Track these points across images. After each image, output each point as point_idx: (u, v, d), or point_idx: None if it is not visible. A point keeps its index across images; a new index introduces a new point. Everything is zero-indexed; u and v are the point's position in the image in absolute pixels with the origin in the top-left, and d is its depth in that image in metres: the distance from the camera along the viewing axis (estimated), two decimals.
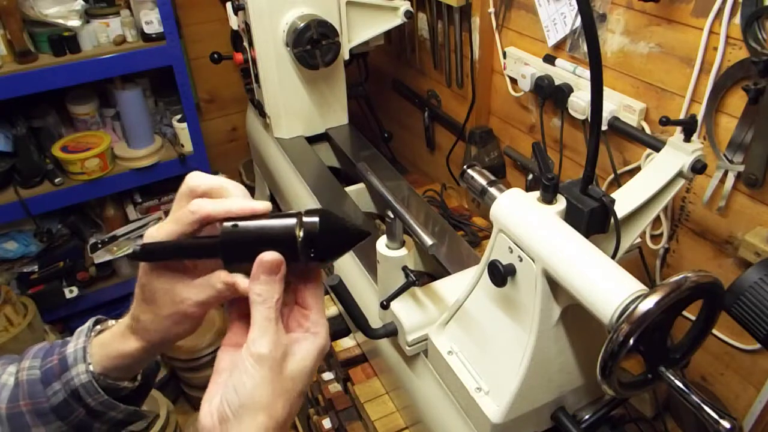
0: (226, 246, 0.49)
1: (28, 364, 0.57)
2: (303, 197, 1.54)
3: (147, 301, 0.54)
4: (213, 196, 0.51)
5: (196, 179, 0.53)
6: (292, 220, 0.49)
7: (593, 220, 0.79)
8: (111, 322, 0.61)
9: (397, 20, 1.67)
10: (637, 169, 1.23)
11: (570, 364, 0.84)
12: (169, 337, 0.56)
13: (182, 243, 0.51)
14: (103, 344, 0.57)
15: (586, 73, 1.28)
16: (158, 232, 0.51)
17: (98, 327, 0.60)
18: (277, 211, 0.51)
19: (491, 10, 1.50)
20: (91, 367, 0.55)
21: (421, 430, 1.07)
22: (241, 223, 0.49)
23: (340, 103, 1.76)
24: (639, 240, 0.99)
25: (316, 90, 1.69)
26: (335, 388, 1.29)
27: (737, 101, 1.01)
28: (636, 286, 0.64)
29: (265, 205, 0.50)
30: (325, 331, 0.51)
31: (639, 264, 1.13)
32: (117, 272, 2.27)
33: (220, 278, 0.51)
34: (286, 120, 1.71)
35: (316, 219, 0.49)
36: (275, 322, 0.47)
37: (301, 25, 1.50)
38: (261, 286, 0.47)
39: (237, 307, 0.53)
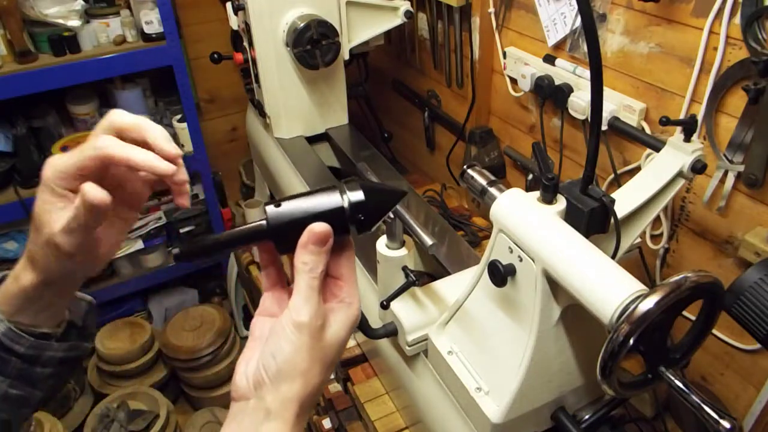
0: (275, 228, 0.49)
1: None
2: None
3: (34, 225, 0.51)
4: (132, 136, 0.50)
5: (117, 115, 0.51)
6: (336, 194, 0.49)
7: (593, 220, 0.79)
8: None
9: (397, 20, 1.67)
10: (637, 169, 1.23)
11: (570, 364, 0.84)
12: (56, 273, 0.52)
13: (227, 236, 0.50)
14: (5, 287, 0.54)
15: (586, 73, 1.28)
16: (58, 160, 0.50)
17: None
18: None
19: (491, 10, 1.50)
20: (2, 316, 0.53)
21: (421, 430, 1.07)
22: (284, 203, 0.49)
23: (340, 103, 1.76)
24: (639, 240, 0.99)
25: (316, 90, 1.69)
26: (335, 388, 1.29)
27: (737, 101, 1.01)
28: (636, 286, 0.64)
29: (176, 151, 0.51)
30: (357, 301, 0.52)
31: (639, 264, 1.13)
32: (117, 272, 2.27)
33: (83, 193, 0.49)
34: (286, 120, 1.71)
35: (359, 191, 0.49)
36: (318, 292, 0.48)
37: (301, 25, 1.50)
38: (309, 255, 0.48)
39: (269, 276, 0.54)
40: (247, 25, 1.58)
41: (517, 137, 1.61)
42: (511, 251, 0.78)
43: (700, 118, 1.05)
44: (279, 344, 0.46)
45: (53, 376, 0.57)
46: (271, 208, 0.49)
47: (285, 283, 0.55)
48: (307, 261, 0.48)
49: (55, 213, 0.49)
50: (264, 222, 0.49)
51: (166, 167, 0.50)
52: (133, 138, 0.50)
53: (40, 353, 0.55)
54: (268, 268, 0.54)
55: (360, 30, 1.66)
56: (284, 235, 0.49)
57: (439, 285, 1.07)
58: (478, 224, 1.65)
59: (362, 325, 0.99)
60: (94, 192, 0.47)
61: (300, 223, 0.48)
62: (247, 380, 0.47)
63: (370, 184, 0.51)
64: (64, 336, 0.58)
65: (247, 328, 2.47)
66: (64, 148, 1.93)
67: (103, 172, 0.50)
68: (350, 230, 0.50)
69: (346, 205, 0.49)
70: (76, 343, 0.58)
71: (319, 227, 0.48)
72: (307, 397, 0.47)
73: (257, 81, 1.69)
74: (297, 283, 0.48)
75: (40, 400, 0.58)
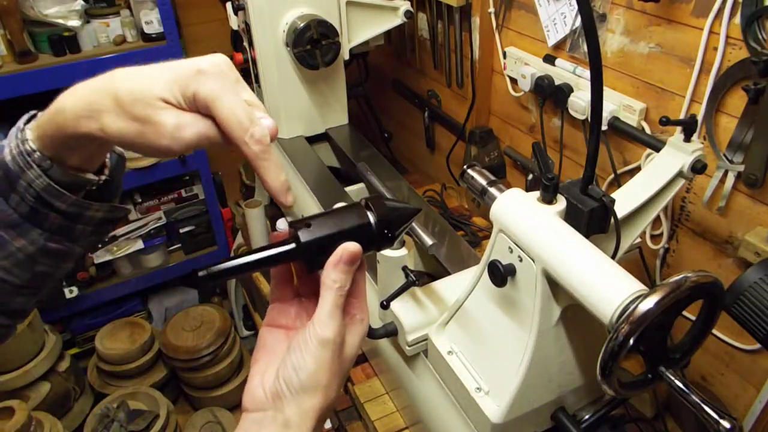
0: (306, 248, 0.50)
1: None
2: (303, 197, 1.54)
3: (119, 98, 0.45)
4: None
5: (268, 132, 0.46)
6: (362, 212, 0.52)
7: (593, 220, 0.79)
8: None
9: (397, 20, 1.67)
10: (637, 169, 1.23)
11: (570, 364, 0.84)
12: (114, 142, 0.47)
13: (254, 258, 0.50)
14: (39, 125, 0.48)
15: (586, 73, 1.28)
16: (210, 71, 0.45)
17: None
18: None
19: (491, 10, 1.50)
20: (40, 170, 0.48)
21: (421, 430, 1.07)
22: (313, 223, 0.50)
23: (340, 103, 1.76)
24: (639, 240, 0.99)
25: (316, 90, 1.69)
26: None
27: (737, 101, 1.01)
28: (636, 286, 0.64)
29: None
30: (367, 317, 0.54)
31: (639, 264, 1.13)
32: (117, 272, 2.27)
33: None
34: (286, 120, 1.71)
35: (383, 207, 0.52)
36: (341, 309, 0.49)
37: (301, 25, 1.50)
38: (339, 274, 0.49)
39: (279, 288, 0.55)
40: (247, 25, 1.58)
41: (517, 137, 1.61)
42: (511, 251, 0.78)
43: (700, 118, 1.05)
44: (303, 359, 0.47)
45: (94, 233, 0.55)
46: (301, 229, 0.50)
47: (294, 295, 0.55)
48: (336, 279, 0.49)
49: (173, 111, 0.45)
50: (293, 243, 0.50)
51: (286, 200, 0.49)
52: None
53: (82, 212, 0.52)
54: (280, 281, 0.55)
55: (360, 30, 1.66)
56: (314, 255, 0.50)
57: (439, 285, 1.07)
58: (478, 224, 1.65)
59: None
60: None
61: (329, 241, 0.50)
62: (265, 392, 0.48)
63: (390, 201, 0.53)
64: (102, 187, 0.55)
65: (248, 328, 2.48)
66: None
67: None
68: (375, 246, 0.52)
69: (372, 221, 0.51)
70: (115, 206, 0.55)
71: (352, 247, 0.50)
72: (325, 410, 0.49)
73: (257, 81, 1.69)
74: (323, 300, 0.49)
75: (80, 255, 0.56)
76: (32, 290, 0.54)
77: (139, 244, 2.21)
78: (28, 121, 0.50)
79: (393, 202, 0.54)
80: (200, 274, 0.48)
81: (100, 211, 0.53)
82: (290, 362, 0.48)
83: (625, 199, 0.89)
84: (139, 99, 0.44)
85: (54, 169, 0.49)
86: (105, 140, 0.46)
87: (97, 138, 0.46)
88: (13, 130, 0.50)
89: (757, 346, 1.07)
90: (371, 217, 0.51)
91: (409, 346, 1.00)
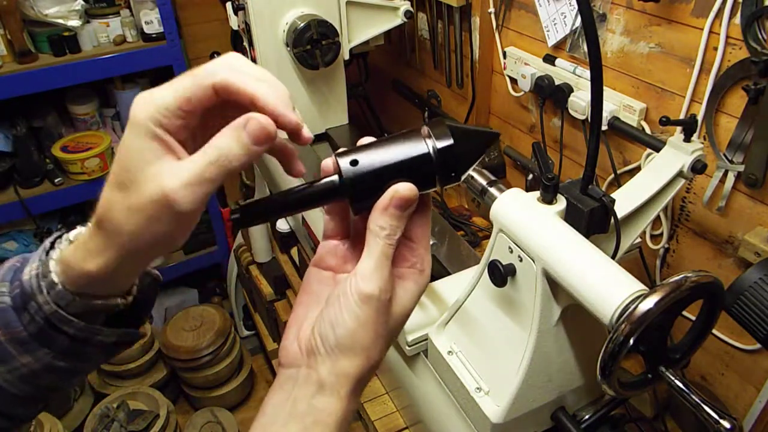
0: (350, 185, 0.41)
1: None
2: None
3: (118, 182, 0.39)
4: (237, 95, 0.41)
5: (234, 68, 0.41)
6: (420, 140, 0.43)
7: (593, 220, 0.79)
8: (73, 233, 0.47)
9: (397, 20, 1.67)
10: (637, 169, 1.23)
11: (570, 364, 0.84)
12: (145, 241, 0.40)
13: (292, 197, 0.43)
14: (64, 261, 0.44)
15: (586, 73, 1.28)
16: (156, 92, 0.40)
17: (60, 245, 0.47)
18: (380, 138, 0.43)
19: (491, 10, 1.50)
20: (49, 296, 0.45)
21: (421, 430, 1.07)
22: (360, 156, 0.42)
23: (340, 103, 1.76)
24: (639, 240, 0.99)
25: (316, 90, 1.69)
26: None
27: (737, 101, 1.01)
28: (636, 286, 0.64)
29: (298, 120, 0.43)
30: (429, 267, 0.47)
31: (639, 264, 1.13)
32: None
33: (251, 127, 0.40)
34: None
35: (447, 134, 0.43)
36: (390, 260, 0.42)
37: (301, 25, 1.50)
38: (389, 219, 0.42)
39: (332, 222, 0.48)
40: (247, 25, 1.58)
41: (517, 137, 1.61)
42: (511, 251, 0.78)
43: (700, 118, 1.05)
44: (341, 315, 0.42)
45: (105, 353, 0.51)
46: (344, 162, 0.41)
47: (347, 232, 0.49)
48: (384, 225, 0.42)
49: (160, 163, 0.39)
50: (336, 178, 0.42)
51: (294, 118, 0.41)
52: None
53: (91, 336, 0.49)
54: (333, 214, 0.48)
55: (360, 30, 1.66)
56: (360, 193, 0.42)
57: (439, 285, 1.07)
58: (478, 224, 1.65)
59: None
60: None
61: (379, 176, 0.42)
62: (300, 347, 0.43)
63: (457, 125, 0.44)
64: (132, 307, 0.50)
65: (248, 328, 2.48)
66: (64, 148, 1.93)
67: (210, 110, 0.42)
68: (436, 181, 0.44)
69: (432, 151, 0.42)
70: (128, 331, 0.50)
71: (405, 189, 0.42)
72: (366, 374, 0.43)
73: None
74: (369, 249, 0.42)
75: (91, 371, 0.53)
76: (34, 402, 0.52)
77: None
78: (53, 241, 0.46)
79: (465, 127, 0.44)
80: (232, 217, 0.43)
81: (111, 336, 0.49)
82: (327, 316, 0.42)
83: (625, 199, 0.89)
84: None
85: (77, 301, 0.46)
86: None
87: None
88: (41, 249, 0.47)
89: (757, 346, 1.07)
90: (430, 146, 0.42)
91: (409, 346, 1.00)
